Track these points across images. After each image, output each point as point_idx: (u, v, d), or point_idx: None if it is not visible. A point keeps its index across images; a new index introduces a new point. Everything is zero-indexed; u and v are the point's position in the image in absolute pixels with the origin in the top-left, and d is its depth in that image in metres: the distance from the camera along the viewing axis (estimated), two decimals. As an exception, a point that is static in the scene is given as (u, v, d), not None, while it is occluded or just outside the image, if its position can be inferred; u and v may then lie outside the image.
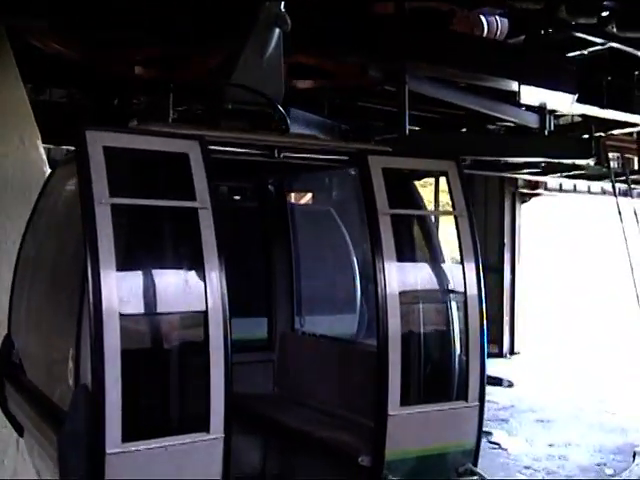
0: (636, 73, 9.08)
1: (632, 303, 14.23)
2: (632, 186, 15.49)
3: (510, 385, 14.87)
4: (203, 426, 5.30)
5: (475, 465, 6.57)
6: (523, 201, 18.51)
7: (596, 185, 17.86)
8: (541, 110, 9.30)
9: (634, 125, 10.63)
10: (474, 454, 6.60)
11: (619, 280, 17.45)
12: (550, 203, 20.37)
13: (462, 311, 6.58)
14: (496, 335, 18.40)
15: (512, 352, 18.36)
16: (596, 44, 8.27)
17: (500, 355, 18.13)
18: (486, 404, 12.50)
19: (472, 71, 8.07)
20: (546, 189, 18.03)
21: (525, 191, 18.21)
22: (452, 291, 6.85)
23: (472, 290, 6.52)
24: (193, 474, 5.32)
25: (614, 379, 15.44)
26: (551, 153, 10.93)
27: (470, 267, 6.55)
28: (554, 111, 9.52)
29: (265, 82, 6.49)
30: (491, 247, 18.62)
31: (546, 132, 9.54)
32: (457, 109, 10.33)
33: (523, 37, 8.57)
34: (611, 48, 8.27)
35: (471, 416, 6.51)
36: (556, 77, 8.31)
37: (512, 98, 8.55)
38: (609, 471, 9.45)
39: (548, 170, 15.66)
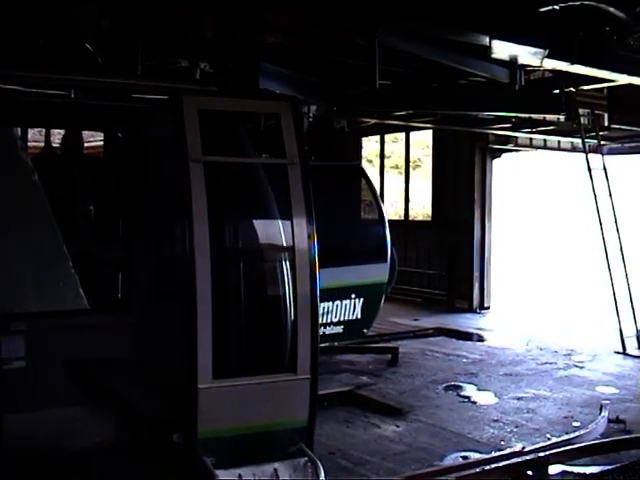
0: (607, 29, 9.05)
1: (602, 257, 14.35)
2: (602, 142, 15.55)
3: (480, 340, 14.99)
4: None
5: (309, 444, 6.03)
6: (494, 157, 18.51)
7: (566, 141, 17.92)
8: (512, 65, 9.28)
9: (604, 81, 10.63)
10: (308, 432, 6.07)
11: (589, 234, 17.57)
12: (522, 159, 20.40)
13: (291, 272, 6.00)
14: (467, 291, 18.55)
15: (482, 307, 18.47)
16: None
17: (470, 310, 18.25)
18: (456, 358, 12.57)
19: (442, 24, 8.01)
20: (517, 145, 18.04)
21: (496, 147, 18.20)
22: (279, 249, 6.22)
23: (302, 248, 5.93)
24: None
25: (584, 332, 15.60)
26: (521, 108, 10.92)
27: (300, 222, 5.93)
28: (525, 66, 9.50)
29: (75, 20, 6.06)
30: (461, 203, 18.68)
31: (517, 87, 9.53)
32: (428, 64, 10.26)
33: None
34: (583, 3, 8.23)
35: (301, 390, 5.99)
36: (528, 32, 8.27)
37: (483, 52, 8.51)
38: (576, 424, 9.57)
39: (518, 126, 15.70)
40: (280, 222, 6.30)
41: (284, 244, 6.19)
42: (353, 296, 11.55)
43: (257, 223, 6.47)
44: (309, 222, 5.96)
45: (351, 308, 11.54)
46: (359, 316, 11.69)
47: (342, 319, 11.49)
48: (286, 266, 6.10)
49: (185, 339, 5.60)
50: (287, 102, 6.16)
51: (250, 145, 6.68)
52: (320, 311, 11.01)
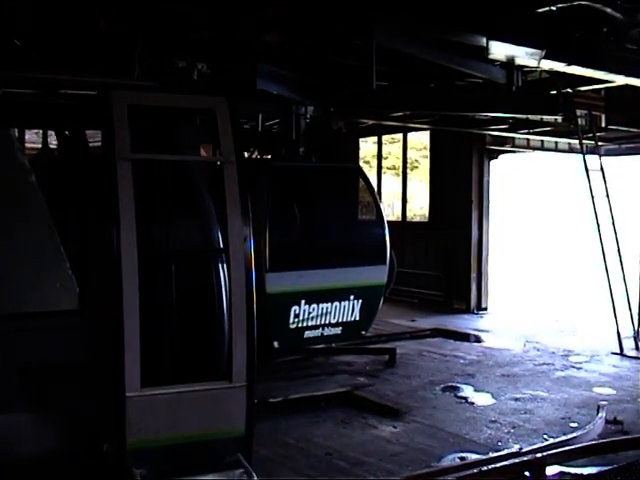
0: (604, 30, 9.05)
1: (599, 258, 14.36)
2: (599, 143, 15.57)
3: (477, 340, 14.97)
4: None
5: (247, 455, 5.76)
6: (491, 158, 18.50)
7: (563, 142, 17.93)
8: (509, 66, 9.29)
9: (602, 82, 10.63)
10: (245, 443, 5.78)
11: (586, 235, 17.56)
12: (520, 160, 20.36)
13: (226, 275, 5.74)
14: (464, 291, 18.54)
15: (479, 308, 18.46)
16: (565, 0, 8.25)
17: (467, 311, 18.25)
18: (453, 359, 12.57)
19: (440, 25, 8.01)
20: (514, 146, 18.04)
21: (493, 147, 18.19)
22: (213, 251, 5.96)
23: (237, 250, 5.65)
24: None
25: (581, 333, 15.61)
26: (519, 109, 10.94)
27: (235, 223, 5.66)
28: (522, 67, 9.51)
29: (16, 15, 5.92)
30: (458, 204, 18.67)
31: (514, 88, 9.54)
32: (425, 65, 10.27)
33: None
34: (580, 4, 8.23)
35: (237, 399, 5.71)
36: (525, 32, 8.27)
37: (480, 53, 8.51)
38: (574, 425, 9.57)
39: (515, 127, 15.71)
40: (215, 223, 6.08)
41: (218, 246, 5.98)
42: (352, 297, 11.60)
43: (191, 224, 6.18)
44: (245, 223, 5.71)
45: (350, 309, 11.57)
46: (358, 317, 11.74)
47: (341, 320, 11.54)
48: (222, 269, 5.87)
49: (112, 345, 5.41)
50: (223, 97, 5.90)
51: (193, 143, 6.47)
52: (319, 312, 11.10)
